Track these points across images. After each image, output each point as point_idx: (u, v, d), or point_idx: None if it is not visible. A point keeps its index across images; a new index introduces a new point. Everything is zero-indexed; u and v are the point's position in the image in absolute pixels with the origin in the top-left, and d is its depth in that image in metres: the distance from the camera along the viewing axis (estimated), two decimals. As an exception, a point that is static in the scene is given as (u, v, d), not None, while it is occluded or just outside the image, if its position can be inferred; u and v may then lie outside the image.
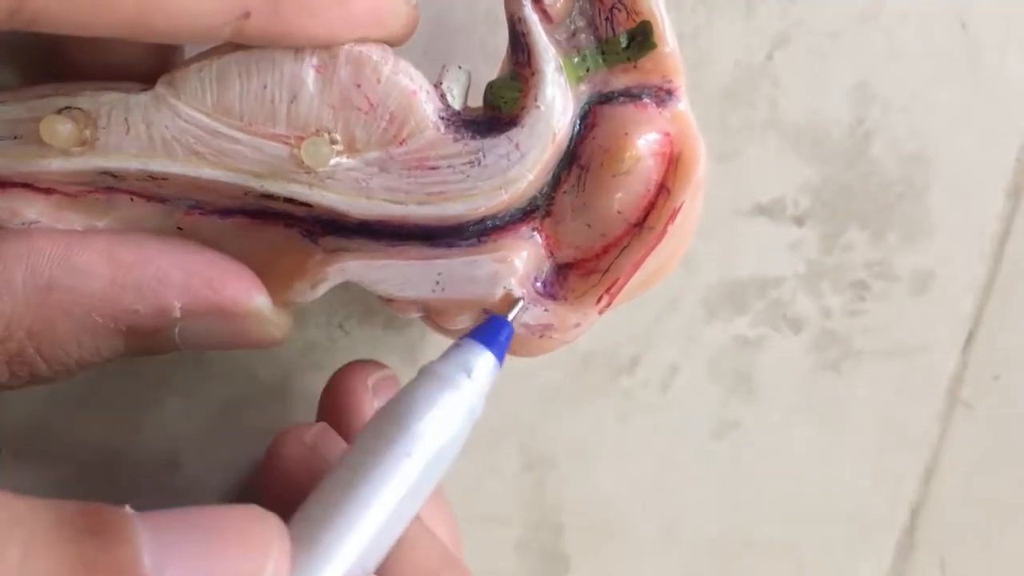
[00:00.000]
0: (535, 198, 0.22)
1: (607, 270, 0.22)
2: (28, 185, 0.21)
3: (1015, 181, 0.29)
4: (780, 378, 0.30)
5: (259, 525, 0.17)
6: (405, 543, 0.20)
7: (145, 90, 0.20)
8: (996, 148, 0.29)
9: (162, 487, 0.28)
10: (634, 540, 0.31)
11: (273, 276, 0.22)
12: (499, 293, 0.22)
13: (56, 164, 0.20)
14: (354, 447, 0.20)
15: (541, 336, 0.22)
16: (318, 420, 0.25)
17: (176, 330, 0.21)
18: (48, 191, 0.21)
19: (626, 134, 0.21)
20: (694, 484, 0.30)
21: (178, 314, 0.21)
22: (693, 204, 0.22)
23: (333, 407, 0.24)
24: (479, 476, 0.29)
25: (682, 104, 0.22)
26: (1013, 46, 0.28)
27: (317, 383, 0.28)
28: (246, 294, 0.21)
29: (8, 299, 0.19)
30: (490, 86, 0.22)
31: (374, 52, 0.20)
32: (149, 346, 0.21)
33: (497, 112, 0.21)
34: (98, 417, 0.27)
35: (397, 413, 0.20)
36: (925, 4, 0.28)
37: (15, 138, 0.20)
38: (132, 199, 0.22)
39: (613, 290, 0.22)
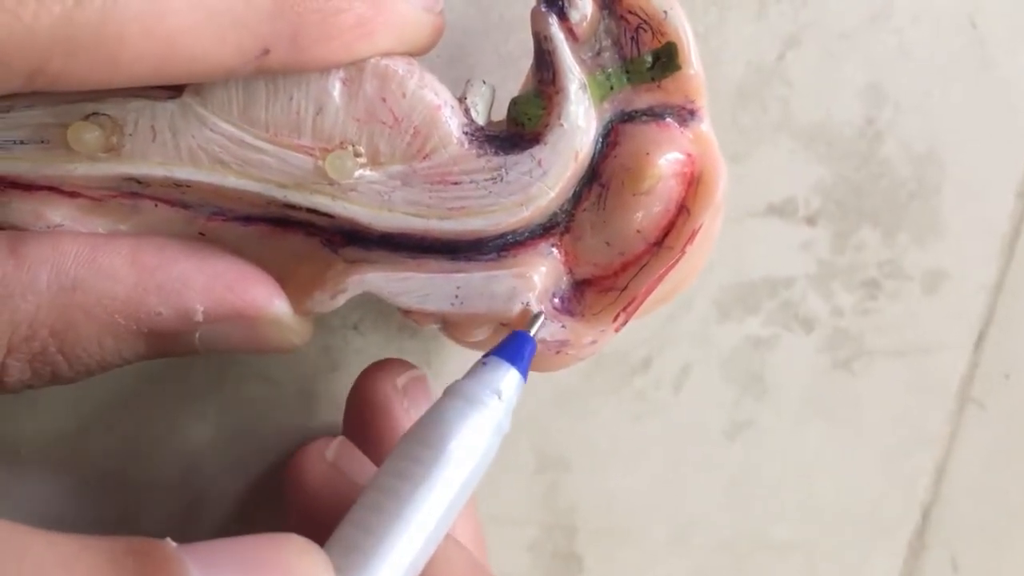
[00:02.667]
0: (555, 215, 0.22)
1: (625, 288, 0.22)
2: (53, 188, 0.21)
3: (1026, 181, 0.30)
4: (792, 378, 0.30)
5: (306, 558, 0.18)
6: (438, 558, 0.20)
7: (172, 98, 0.20)
8: (1007, 148, 0.29)
9: (180, 490, 0.28)
10: (647, 540, 0.31)
11: (293, 284, 0.22)
12: (517, 309, 0.22)
13: (82, 169, 0.20)
14: (386, 469, 0.20)
15: (557, 352, 0.22)
16: (346, 422, 0.25)
17: (197, 334, 0.21)
18: (73, 194, 0.21)
19: (647, 153, 0.21)
20: (707, 484, 0.31)
21: (200, 318, 0.21)
22: (712, 225, 0.22)
23: (362, 410, 0.24)
24: (492, 477, 0.29)
25: (704, 125, 0.22)
26: (1023, 46, 0.28)
27: (332, 385, 0.28)
28: (267, 300, 0.21)
29: (32, 299, 0.20)
30: (514, 102, 0.22)
31: (400, 66, 0.21)
32: (170, 349, 0.21)
33: (520, 128, 0.21)
34: (116, 421, 0.27)
35: (429, 435, 0.20)
36: (936, 5, 0.28)
37: (42, 142, 0.20)
38: (156, 204, 0.22)
39: (630, 308, 0.22)
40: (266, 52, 0.19)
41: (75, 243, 0.20)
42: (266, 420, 0.28)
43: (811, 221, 0.29)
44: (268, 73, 0.20)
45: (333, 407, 0.28)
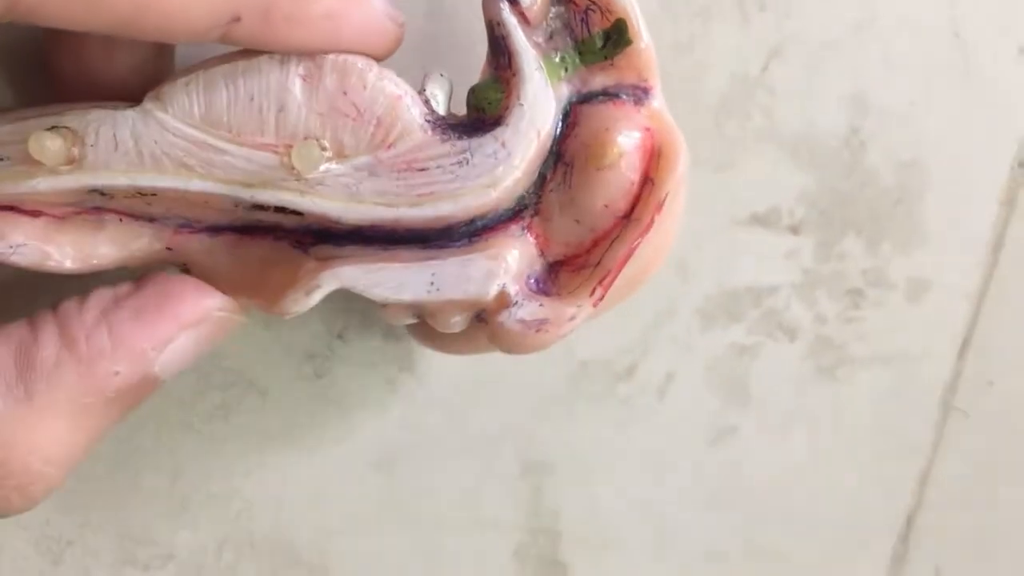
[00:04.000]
0: (523, 197, 0.22)
1: (599, 263, 0.22)
2: (14, 208, 0.21)
3: (1008, 189, 0.30)
4: (776, 385, 0.30)
5: None
6: None
7: (132, 106, 0.20)
8: (990, 156, 0.29)
9: (164, 495, 0.28)
10: (631, 547, 0.31)
11: (266, 289, 0.22)
12: (494, 291, 0.22)
13: (44, 183, 0.20)
14: None
15: (538, 331, 0.22)
16: None
17: (156, 367, 0.21)
18: (35, 213, 0.21)
19: (607, 129, 0.22)
20: (691, 491, 0.31)
21: (152, 354, 0.20)
22: (677, 196, 0.22)
23: None
24: (477, 482, 0.29)
25: (657, 102, 0.22)
26: (1006, 55, 0.29)
27: (317, 392, 0.28)
28: (197, 306, 0.21)
29: None
30: (473, 90, 0.22)
31: (358, 60, 0.21)
32: (141, 395, 0.21)
33: (481, 114, 0.22)
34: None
35: None
36: (919, 14, 0.28)
37: (1, 160, 0.20)
38: (121, 219, 0.22)
39: (606, 282, 0.22)
40: (237, 19, 0.19)
41: (7, 354, 0.20)
42: (250, 429, 0.28)
43: (795, 230, 0.29)
44: (235, 43, 0.20)
45: (318, 414, 0.28)
